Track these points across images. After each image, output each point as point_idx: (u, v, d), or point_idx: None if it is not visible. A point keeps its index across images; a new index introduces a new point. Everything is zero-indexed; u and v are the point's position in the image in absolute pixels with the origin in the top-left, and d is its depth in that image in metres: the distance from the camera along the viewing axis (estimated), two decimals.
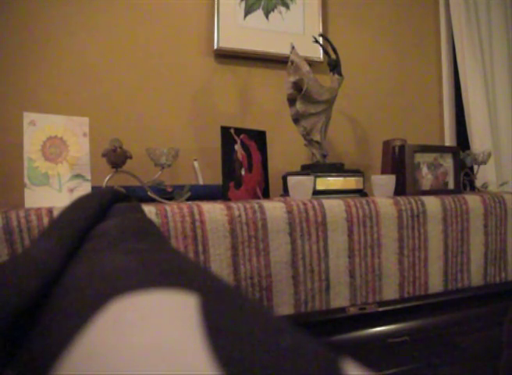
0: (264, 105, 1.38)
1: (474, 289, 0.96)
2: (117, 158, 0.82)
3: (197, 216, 0.72)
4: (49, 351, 0.18)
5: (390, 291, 0.87)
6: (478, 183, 1.27)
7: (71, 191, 0.81)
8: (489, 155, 1.23)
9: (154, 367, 0.14)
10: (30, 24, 1.12)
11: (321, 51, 1.37)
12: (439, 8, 1.64)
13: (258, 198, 1.06)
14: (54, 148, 0.80)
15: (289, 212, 0.79)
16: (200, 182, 1.20)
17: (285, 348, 0.16)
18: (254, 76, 1.37)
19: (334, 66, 1.14)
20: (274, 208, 0.78)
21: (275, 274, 0.77)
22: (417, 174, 1.09)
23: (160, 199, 0.83)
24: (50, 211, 0.66)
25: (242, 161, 1.02)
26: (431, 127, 1.64)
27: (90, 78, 1.18)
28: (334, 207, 0.83)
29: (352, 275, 0.84)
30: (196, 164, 1.22)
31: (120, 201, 0.37)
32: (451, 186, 1.13)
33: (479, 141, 1.50)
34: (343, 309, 0.83)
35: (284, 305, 0.78)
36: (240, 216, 0.75)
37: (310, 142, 1.12)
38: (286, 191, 1.09)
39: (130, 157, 0.84)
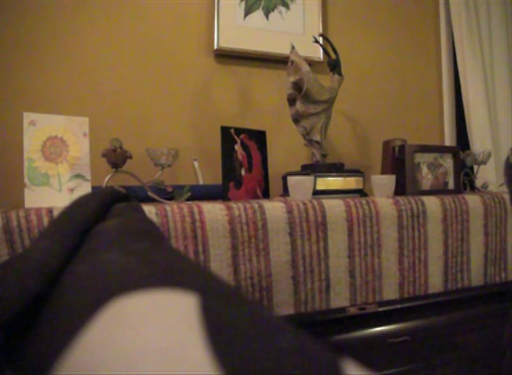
0: (264, 105, 1.37)
1: (474, 289, 0.96)
2: (117, 158, 0.82)
3: (197, 216, 0.72)
4: (49, 351, 0.18)
5: (390, 291, 0.87)
6: (478, 183, 1.27)
7: (71, 191, 0.81)
8: (489, 155, 1.23)
9: (154, 367, 0.14)
10: (30, 24, 1.12)
11: (321, 51, 1.36)
12: (439, 8, 1.64)
13: (258, 198, 1.06)
14: (54, 148, 0.80)
15: (289, 212, 0.79)
16: (200, 182, 1.20)
17: (285, 348, 0.16)
18: (254, 76, 1.37)
19: (334, 66, 1.14)
20: (274, 208, 0.78)
21: (275, 274, 0.77)
22: (417, 174, 1.09)
23: (160, 199, 0.83)
24: (50, 211, 0.66)
25: (242, 161, 1.02)
26: (431, 127, 1.64)
27: (90, 78, 1.18)
28: (334, 207, 0.83)
29: (352, 275, 0.84)
30: (196, 164, 1.22)
31: (120, 201, 0.37)
32: (451, 186, 1.13)
33: (479, 141, 1.50)
34: (343, 309, 0.83)
35: (284, 305, 0.78)
36: (239, 216, 0.75)
37: (310, 142, 1.12)
38: (286, 191, 1.09)
39: (130, 157, 0.84)
